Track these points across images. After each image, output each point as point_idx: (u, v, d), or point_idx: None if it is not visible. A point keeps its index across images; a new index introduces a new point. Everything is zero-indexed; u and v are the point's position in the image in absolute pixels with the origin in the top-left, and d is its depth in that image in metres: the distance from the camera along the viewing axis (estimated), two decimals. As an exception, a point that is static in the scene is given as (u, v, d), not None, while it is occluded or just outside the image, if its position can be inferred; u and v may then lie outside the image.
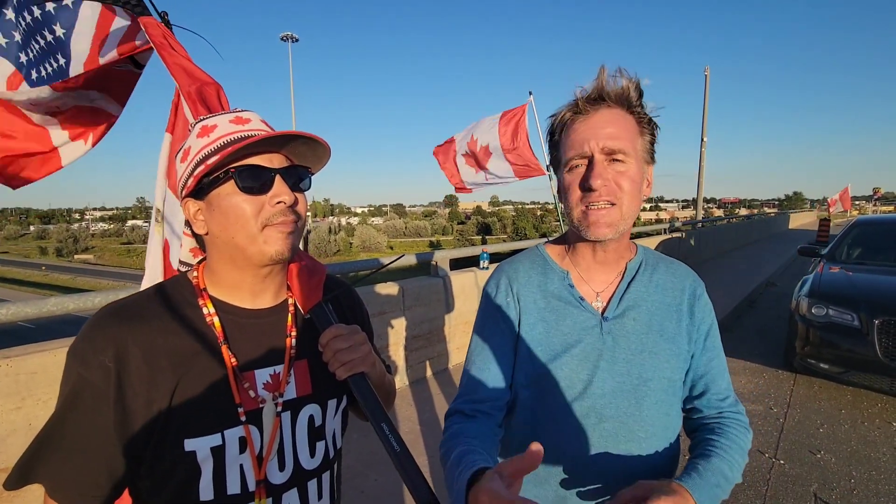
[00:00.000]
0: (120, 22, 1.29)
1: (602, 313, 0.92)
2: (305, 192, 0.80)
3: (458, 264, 4.86)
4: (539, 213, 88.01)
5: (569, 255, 0.98)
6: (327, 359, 0.80)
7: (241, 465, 0.73)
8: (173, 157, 1.15)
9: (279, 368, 0.79)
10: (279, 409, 0.77)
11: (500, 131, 5.04)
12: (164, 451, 0.69)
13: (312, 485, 0.81)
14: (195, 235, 0.80)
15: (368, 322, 1.00)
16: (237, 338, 0.76)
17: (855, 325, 3.74)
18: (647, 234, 10.28)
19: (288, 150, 0.77)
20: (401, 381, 3.99)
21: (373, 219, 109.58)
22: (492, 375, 0.93)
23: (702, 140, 14.59)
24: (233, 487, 0.72)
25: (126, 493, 0.74)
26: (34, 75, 1.39)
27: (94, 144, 1.62)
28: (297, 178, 0.78)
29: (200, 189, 0.73)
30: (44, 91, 1.38)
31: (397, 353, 3.98)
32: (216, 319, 0.75)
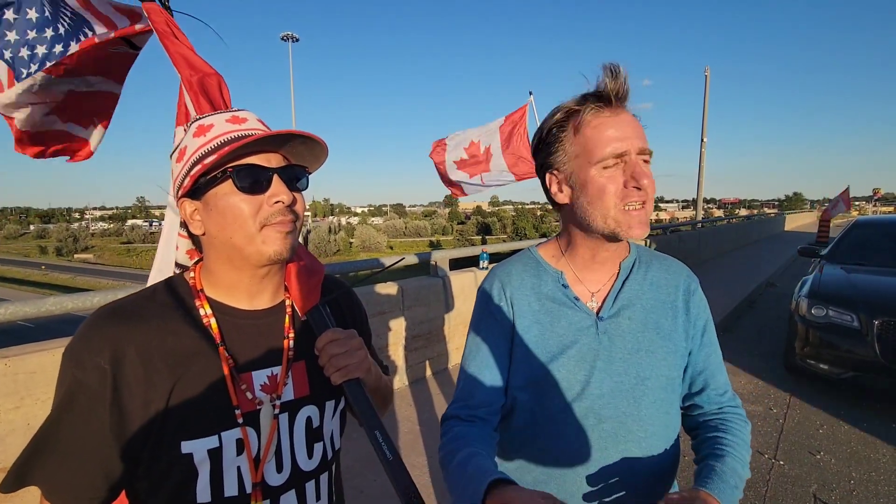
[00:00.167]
0: None
1: (597, 313, 0.92)
2: (303, 192, 0.80)
3: (457, 264, 4.85)
4: (539, 213, 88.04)
5: (565, 255, 0.97)
6: (323, 363, 0.79)
7: (239, 468, 0.72)
8: None
9: (277, 370, 0.79)
10: (277, 410, 0.76)
11: (503, 133, 5.04)
12: (160, 452, 0.69)
13: (310, 486, 0.81)
14: (191, 236, 0.80)
15: (367, 323, 1.00)
16: (234, 339, 0.76)
17: (854, 325, 3.73)
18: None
19: (285, 149, 0.77)
20: (400, 381, 3.98)
21: (373, 219, 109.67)
22: (487, 381, 0.93)
23: (702, 140, 14.60)
24: (230, 489, 0.72)
25: (123, 495, 0.73)
26: (24, 73, 1.40)
27: (106, 127, 1.70)
28: (295, 177, 0.78)
29: (197, 189, 0.73)
30: (38, 78, 1.38)
31: (397, 352, 3.97)
32: (213, 320, 0.75)
